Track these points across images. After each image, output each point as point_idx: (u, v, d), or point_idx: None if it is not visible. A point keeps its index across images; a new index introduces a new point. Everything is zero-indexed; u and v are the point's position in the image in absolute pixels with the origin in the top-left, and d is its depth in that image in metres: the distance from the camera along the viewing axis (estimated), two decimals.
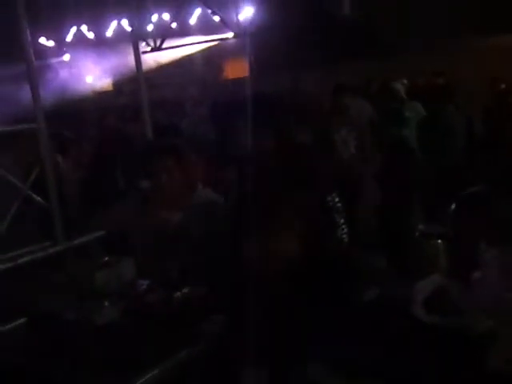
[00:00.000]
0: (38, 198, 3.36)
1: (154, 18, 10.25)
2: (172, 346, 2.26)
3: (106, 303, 2.57)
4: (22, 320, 2.73)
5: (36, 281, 3.10)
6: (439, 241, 2.34)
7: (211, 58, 10.81)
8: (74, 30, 10.66)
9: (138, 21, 7.53)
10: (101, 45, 9.81)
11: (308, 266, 2.10)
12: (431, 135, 5.56)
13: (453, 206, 2.05)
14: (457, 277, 1.89)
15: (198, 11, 10.08)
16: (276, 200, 2.08)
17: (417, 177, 4.81)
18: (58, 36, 10.48)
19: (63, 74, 9.69)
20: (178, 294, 2.56)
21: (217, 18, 9.33)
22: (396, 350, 1.78)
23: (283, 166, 2.43)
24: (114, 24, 10.43)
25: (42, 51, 9.35)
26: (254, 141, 2.68)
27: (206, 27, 10.01)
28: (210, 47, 10.53)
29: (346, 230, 2.56)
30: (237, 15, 9.30)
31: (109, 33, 10.58)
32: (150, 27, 10.22)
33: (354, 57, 9.25)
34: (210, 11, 9.28)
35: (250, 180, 2.45)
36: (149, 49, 9.54)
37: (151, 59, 9.60)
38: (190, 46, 10.30)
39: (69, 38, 10.63)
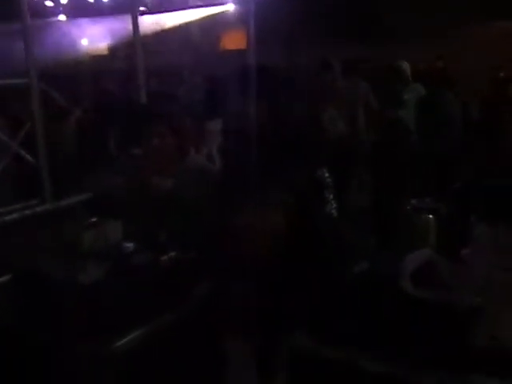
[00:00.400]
0: (28, 156, 3.32)
1: None
2: (157, 309, 2.25)
3: (92, 263, 2.56)
4: (7, 277, 2.72)
5: (23, 239, 3.08)
6: (430, 216, 2.34)
7: (210, 27, 10.66)
8: None
9: None
10: (98, 7, 9.64)
11: (296, 239, 2.10)
12: (428, 118, 5.54)
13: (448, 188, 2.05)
14: (446, 252, 1.89)
15: None
16: (267, 172, 2.07)
17: (411, 157, 4.80)
18: None
19: (58, 34, 9.54)
20: (165, 257, 2.55)
21: None
22: (383, 322, 1.78)
23: (276, 138, 2.42)
24: None
25: (38, 9, 9.17)
26: (248, 112, 2.67)
27: None
28: (208, 16, 10.38)
29: (334, 206, 2.55)
30: None
31: None
32: None
33: (357, 34, 9.15)
34: None
35: (242, 150, 2.44)
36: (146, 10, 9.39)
37: (148, 25, 9.45)
38: (189, 13, 10.13)
39: None
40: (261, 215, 2.06)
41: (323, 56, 5.94)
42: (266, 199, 2.07)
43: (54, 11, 10.31)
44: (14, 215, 3.25)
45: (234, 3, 9.23)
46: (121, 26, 8.26)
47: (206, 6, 9.92)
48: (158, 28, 10.20)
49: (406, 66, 6.38)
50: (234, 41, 10.78)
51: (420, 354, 1.67)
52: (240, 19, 9.89)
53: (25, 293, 2.51)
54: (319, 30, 9.55)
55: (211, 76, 7.27)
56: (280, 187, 2.10)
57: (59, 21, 10.34)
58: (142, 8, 8.73)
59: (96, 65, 10.04)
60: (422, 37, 9.40)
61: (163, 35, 10.26)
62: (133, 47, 4.62)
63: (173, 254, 2.57)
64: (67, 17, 10.41)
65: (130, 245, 2.71)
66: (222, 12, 10.03)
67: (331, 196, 2.55)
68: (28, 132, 3.39)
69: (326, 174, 2.55)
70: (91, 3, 10.12)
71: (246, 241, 2.12)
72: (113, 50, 10.63)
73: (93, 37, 10.67)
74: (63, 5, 10.44)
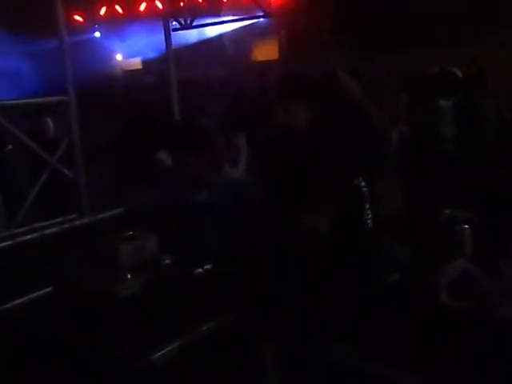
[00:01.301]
0: (66, 171, 3.40)
1: None
2: (192, 321, 2.28)
3: (129, 276, 2.60)
4: (47, 289, 2.79)
5: (62, 252, 3.15)
6: (465, 226, 2.31)
7: (242, 39, 10.71)
8: (105, 6, 10.68)
9: None
10: (131, 22, 9.82)
11: (334, 248, 2.10)
12: (464, 123, 5.48)
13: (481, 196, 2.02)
14: (482, 262, 1.87)
15: None
16: (308, 180, 2.08)
17: (447, 165, 4.75)
18: (89, 12, 10.51)
19: (93, 50, 9.77)
20: (200, 270, 2.57)
21: None
22: (417, 332, 1.77)
23: (316, 148, 2.42)
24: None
25: (74, 27, 9.41)
26: (286, 122, 2.68)
27: (237, 7, 9.94)
28: (240, 28, 10.44)
29: (370, 215, 2.54)
30: None
31: (140, 10, 10.56)
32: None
33: (391, 43, 9.04)
34: None
35: (282, 160, 2.45)
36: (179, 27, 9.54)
37: (181, 38, 9.59)
38: (221, 25, 10.23)
39: (100, 14, 10.65)
40: (299, 225, 2.07)
41: (329, 68, 5.89)
42: (307, 206, 2.08)
43: (89, 28, 10.56)
44: (53, 229, 3.33)
45: (265, 16, 9.29)
46: (153, 39, 8.41)
47: (238, 20, 10.02)
48: (191, 43, 10.32)
49: (459, 72, 6.29)
50: (266, 51, 10.82)
51: (459, 365, 1.66)
52: (272, 29, 9.93)
53: (64, 305, 2.57)
54: (349, 38, 9.49)
55: (238, 88, 7.31)
56: (322, 194, 2.10)
57: (94, 37, 10.59)
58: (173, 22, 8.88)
59: (129, 80, 10.22)
60: (449, 40, 9.26)
61: (196, 49, 10.37)
62: (166, 62, 4.70)
63: (208, 266, 2.59)
64: (101, 33, 10.65)
65: (165, 258, 2.74)
66: (254, 24, 10.09)
67: (367, 205, 2.55)
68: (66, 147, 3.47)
69: (363, 184, 2.54)
70: (124, 17, 10.33)
71: (285, 251, 2.13)
72: (146, 65, 10.80)
73: (127, 52, 10.87)
74: (97, 21, 10.70)
